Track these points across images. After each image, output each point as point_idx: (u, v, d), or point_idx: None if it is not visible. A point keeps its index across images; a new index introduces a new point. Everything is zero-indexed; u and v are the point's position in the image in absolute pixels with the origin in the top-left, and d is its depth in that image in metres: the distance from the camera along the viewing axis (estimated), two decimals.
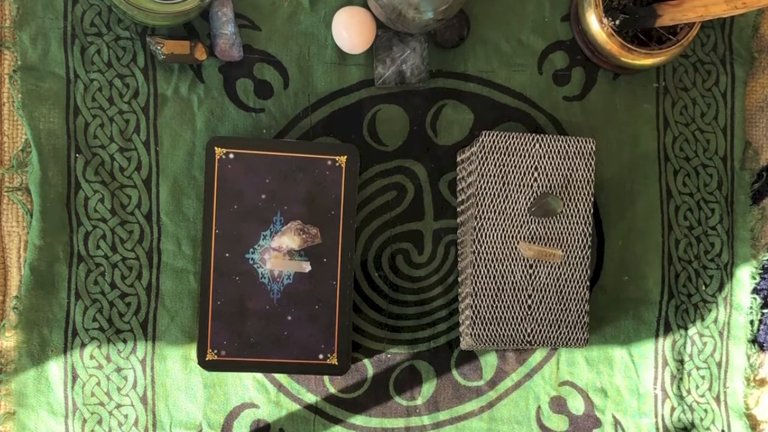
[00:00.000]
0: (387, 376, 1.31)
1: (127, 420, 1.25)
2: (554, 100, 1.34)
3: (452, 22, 1.30)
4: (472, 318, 1.23)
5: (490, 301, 1.23)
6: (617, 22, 1.26)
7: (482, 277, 1.23)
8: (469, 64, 1.33)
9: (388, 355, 1.31)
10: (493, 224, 1.24)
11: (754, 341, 1.36)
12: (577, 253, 1.24)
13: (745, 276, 1.36)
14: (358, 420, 1.30)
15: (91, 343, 1.24)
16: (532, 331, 1.24)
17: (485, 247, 1.24)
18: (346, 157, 1.24)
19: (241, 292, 1.22)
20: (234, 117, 1.28)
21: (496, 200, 1.24)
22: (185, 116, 1.27)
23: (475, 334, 1.23)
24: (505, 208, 1.24)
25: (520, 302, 1.24)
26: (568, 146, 1.24)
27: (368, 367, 1.30)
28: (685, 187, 1.36)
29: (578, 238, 1.24)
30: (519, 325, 1.24)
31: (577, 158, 1.25)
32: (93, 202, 1.24)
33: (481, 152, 1.23)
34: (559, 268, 1.24)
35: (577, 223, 1.25)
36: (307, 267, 1.23)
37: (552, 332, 1.24)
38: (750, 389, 1.36)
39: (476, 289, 1.23)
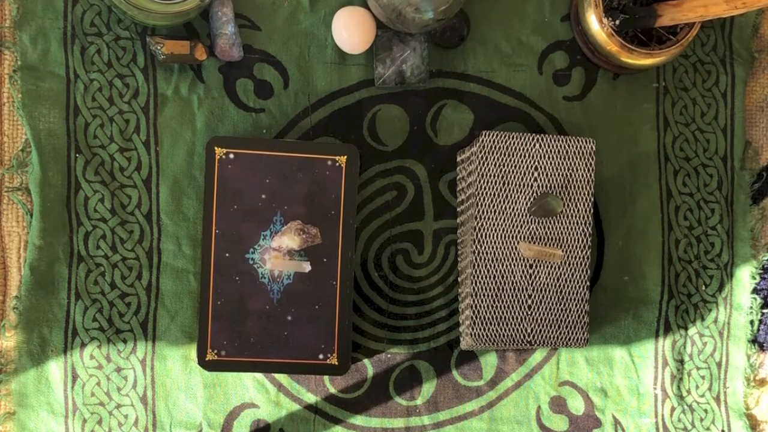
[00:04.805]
0: (387, 376, 1.30)
1: (127, 420, 1.25)
2: (554, 100, 1.34)
3: (452, 22, 1.30)
4: (472, 318, 1.23)
5: (490, 301, 1.23)
6: (617, 22, 1.26)
7: (482, 277, 1.23)
8: (469, 64, 1.33)
9: (388, 355, 1.31)
10: (493, 224, 1.24)
11: (754, 341, 1.36)
12: (577, 253, 1.24)
13: (745, 276, 1.36)
14: (358, 420, 1.30)
15: (91, 343, 1.24)
16: (532, 331, 1.24)
17: (485, 247, 1.24)
18: (346, 157, 1.24)
19: (241, 292, 1.22)
20: (234, 117, 1.28)
21: (496, 200, 1.24)
22: (185, 116, 1.27)
23: (475, 334, 1.23)
24: (505, 208, 1.24)
25: (520, 302, 1.24)
26: (568, 146, 1.24)
27: (368, 367, 1.30)
28: (685, 187, 1.36)
29: (578, 238, 1.24)
30: (519, 325, 1.24)
31: (577, 158, 1.25)
32: (93, 202, 1.24)
33: (481, 152, 1.23)
34: (559, 268, 1.24)
35: (577, 223, 1.25)
36: (307, 267, 1.23)
37: (552, 332, 1.24)
38: (750, 389, 1.36)
39: (476, 289, 1.23)
